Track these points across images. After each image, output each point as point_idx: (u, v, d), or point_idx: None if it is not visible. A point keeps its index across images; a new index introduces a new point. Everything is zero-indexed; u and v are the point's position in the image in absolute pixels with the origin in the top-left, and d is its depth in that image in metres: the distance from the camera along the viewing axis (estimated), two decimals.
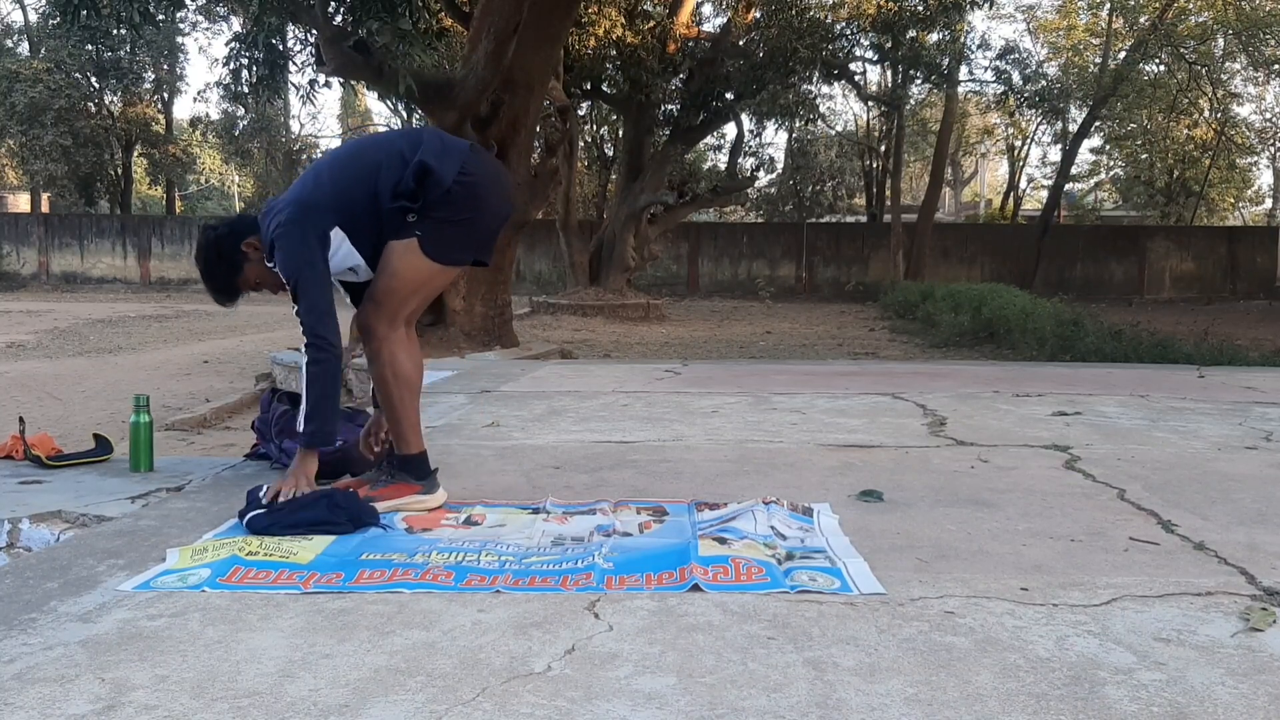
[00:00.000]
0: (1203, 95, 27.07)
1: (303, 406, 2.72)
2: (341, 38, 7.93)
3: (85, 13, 8.34)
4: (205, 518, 2.73)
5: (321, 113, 71.85)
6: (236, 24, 16.41)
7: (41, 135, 24.37)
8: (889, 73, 24.82)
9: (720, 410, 4.66)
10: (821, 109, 22.55)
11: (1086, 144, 29.22)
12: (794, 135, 27.45)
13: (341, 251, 2.78)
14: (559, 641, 1.86)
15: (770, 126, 22.29)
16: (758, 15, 17.41)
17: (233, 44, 10.25)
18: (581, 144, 22.00)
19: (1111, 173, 34.13)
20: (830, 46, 17.85)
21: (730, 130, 22.30)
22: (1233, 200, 34.80)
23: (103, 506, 2.90)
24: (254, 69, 10.04)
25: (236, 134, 27.57)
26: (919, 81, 23.59)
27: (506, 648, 1.83)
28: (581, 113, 20.70)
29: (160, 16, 9.85)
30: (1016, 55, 24.10)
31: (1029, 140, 32.51)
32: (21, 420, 3.65)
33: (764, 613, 2.01)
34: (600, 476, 3.26)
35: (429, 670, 1.74)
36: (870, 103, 27.73)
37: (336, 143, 37.26)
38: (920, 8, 17.03)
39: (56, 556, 2.40)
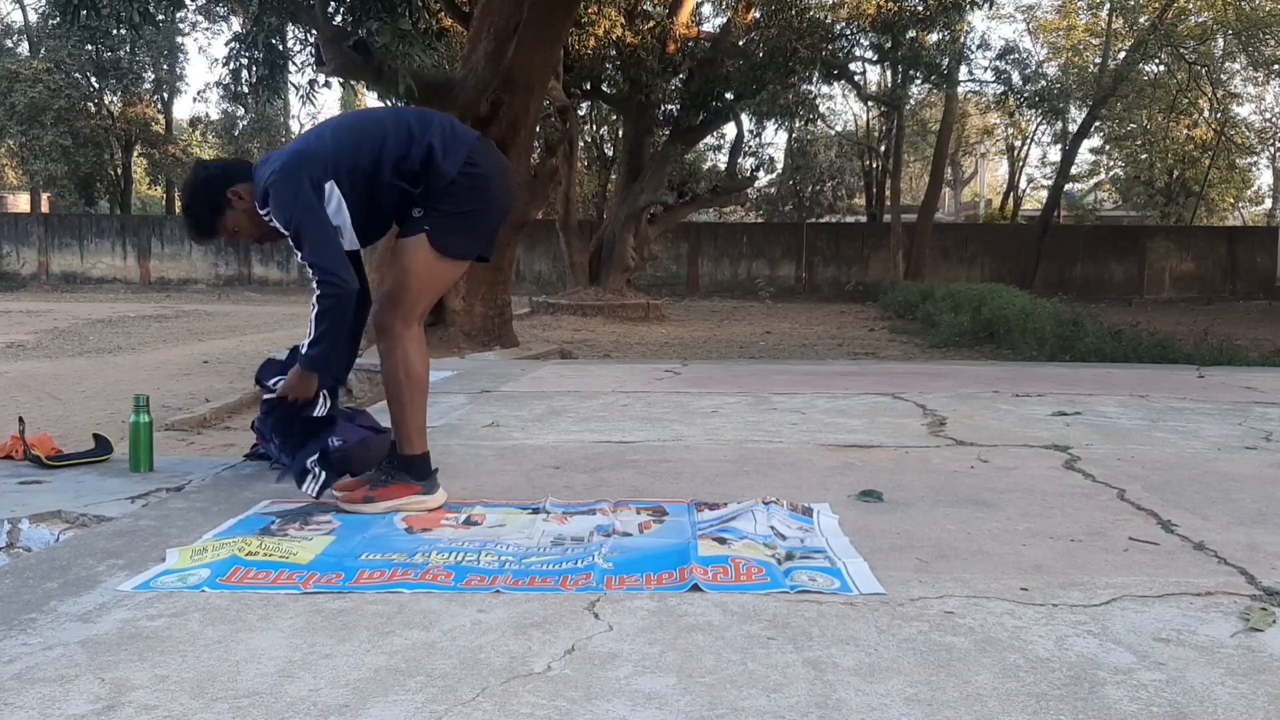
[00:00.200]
0: (1203, 95, 27.08)
1: (310, 332, 2.71)
2: (341, 38, 7.93)
3: (85, 13, 8.34)
4: (205, 518, 2.73)
5: (321, 113, 71.79)
6: (236, 24, 16.41)
7: (41, 135, 24.37)
8: (889, 73, 24.83)
9: (720, 410, 4.66)
10: (821, 109, 22.57)
11: (1086, 144, 29.25)
12: (794, 135, 27.46)
13: (330, 208, 2.77)
14: (559, 641, 1.86)
15: (770, 126, 22.33)
16: (758, 15, 17.41)
17: (233, 44, 10.26)
18: (581, 144, 22.01)
19: (1111, 173, 34.14)
20: (830, 46, 17.85)
21: (730, 130, 22.33)
22: (1233, 200, 34.79)
23: (103, 506, 2.90)
24: (254, 69, 10.04)
25: (236, 134, 27.60)
26: (919, 81, 23.60)
27: (506, 648, 1.83)
28: (581, 113, 20.71)
29: (160, 16, 9.85)
30: (1016, 55, 24.13)
31: (1029, 140, 32.54)
32: (21, 420, 3.65)
33: (764, 613, 2.01)
34: (600, 476, 3.26)
35: (429, 670, 1.74)
36: (870, 103, 27.74)
37: None
38: (920, 8, 17.03)
39: (56, 556, 2.40)
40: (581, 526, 2.64)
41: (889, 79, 25.40)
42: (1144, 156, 30.63)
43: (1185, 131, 28.74)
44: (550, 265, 23.99)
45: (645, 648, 1.83)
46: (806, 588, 2.15)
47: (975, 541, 2.52)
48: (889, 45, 18.64)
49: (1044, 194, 31.86)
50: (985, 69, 29.41)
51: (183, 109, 67.33)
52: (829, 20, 18.10)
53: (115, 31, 20.26)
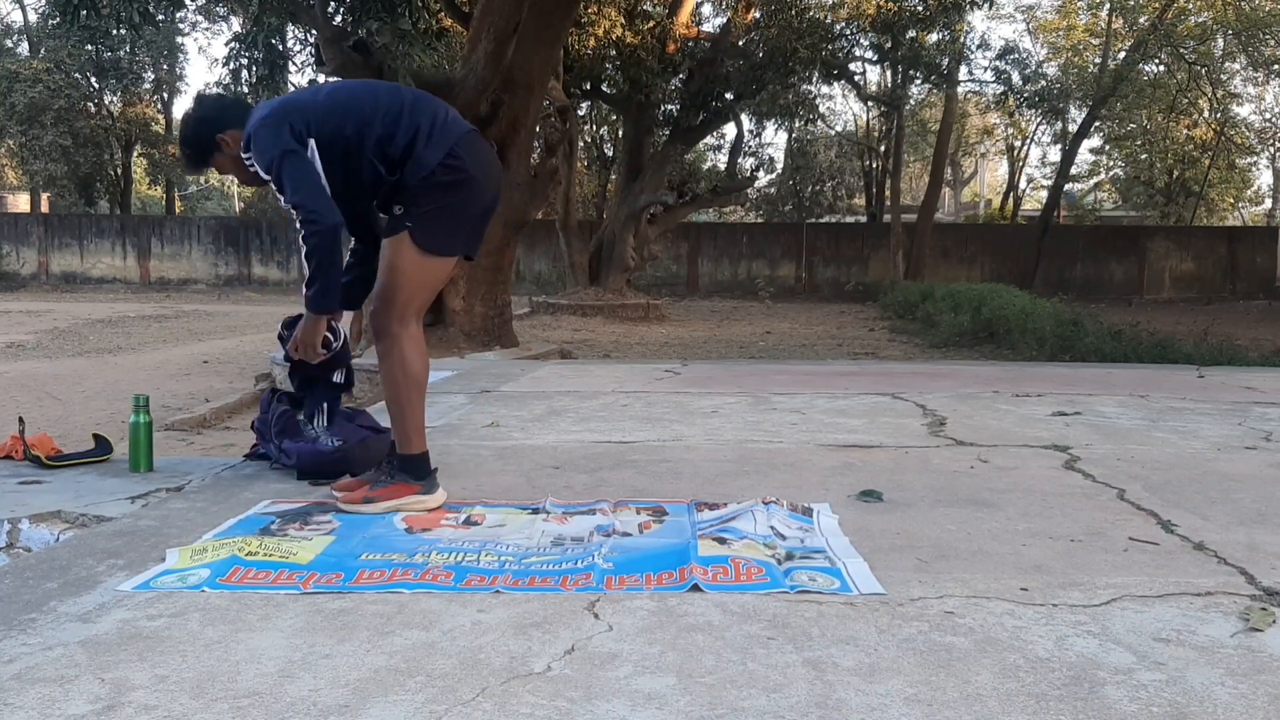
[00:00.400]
0: (1202, 95, 27.08)
1: (305, 269, 2.74)
2: (341, 38, 7.93)
3: (85, 13, 8.34)
4: (205, 518, 2.73)
5: None
6: (236, 24, 16.42)
7: (41, 135, 24.37)
8: (889, 73, 24.84)
9: (720, 410, 4.66)
10: (821, 109, 22.59)
11: (1086, 144, 29.25)
12: (794, 135, 27.46)
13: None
14: (559, 641, 1.86)
15: (770, 126, 22.36)
16: (757, 15, 17.41)
17: (233, 44, 10.27)
18: (581, 144, 22.01)
19: (1111, 173, 34.13)
20: (830, 46, 17.85)
21: (730, 130, 22.33)
22: (1232, 200, 34.79)
23: (102, 506, 2.90)
24: (254, 69, 10.05)
25: None
26: (919, 81, 23.61)
27: (506, 648, 1.83)
28: (581, 113, 20.72)
29: (160, 16, 9.86)
30: (1016, 55, 24.15)
31: (1029, 140, 32.54)
32: (21, 420, 3.65)
33: (764, 613, 2.01)
34: (600, 476, 3.26)
35: (429, 670, 1.74)
36: (870, 103, 27.75)
37: None
38: (920, 8, 17.03)
39: (56, 556, 2.40)
40: (581, 526, 2.64)
41: (889, 79, 25.41)
42: (1144, 156, 30.63)
43: (1185, 131, 28.75)
44: (550, 265, 23.99)
45: (645, 648, 1.83)
46: (806, 588, 2.15)
47: (975, 541, 2.52)
48: (889, 45, 18.65)
49: (1044, 194, 31.87)
50: (985, 69, 29.46)
51: (183, 109, 67.25)
52: (829, 20, 18.10)
53: (115, 31, 20.24)
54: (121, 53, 25.65)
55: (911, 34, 18.19)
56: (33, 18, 27.14)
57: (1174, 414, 4.59)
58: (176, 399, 7.90)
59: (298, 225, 2.68)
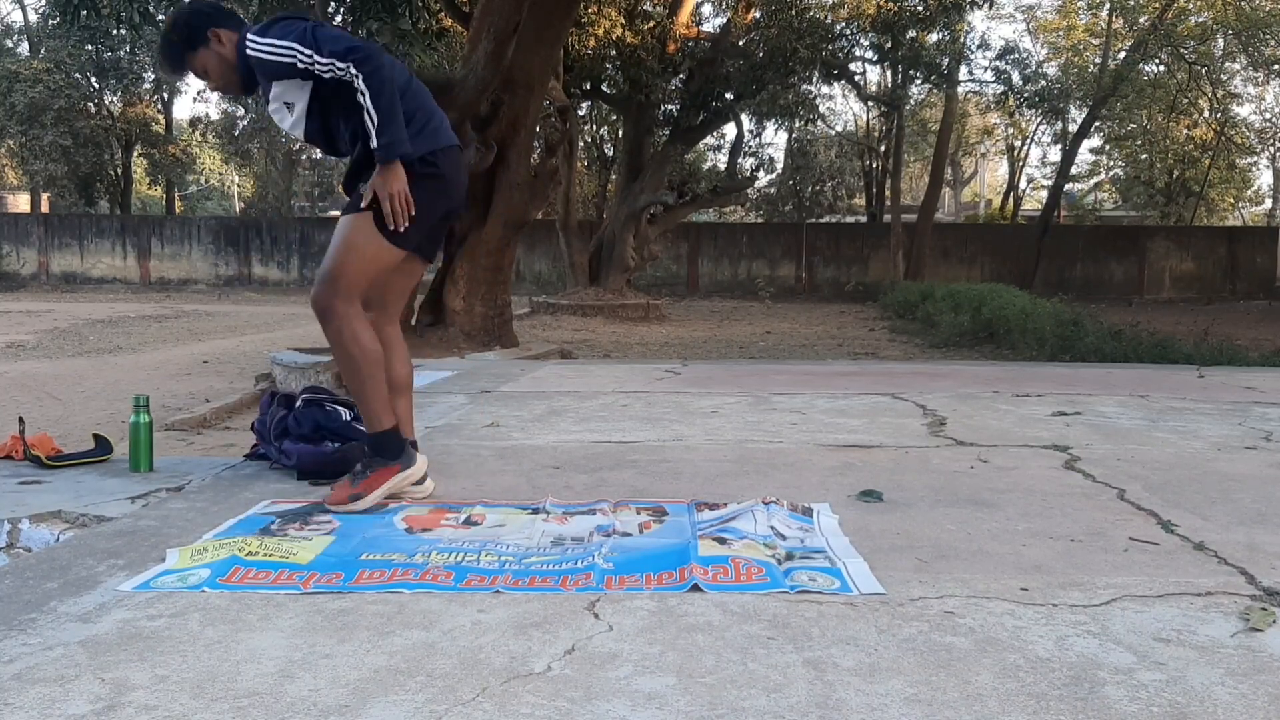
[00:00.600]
0: (1203, 95, 27.08)
1: (373, 120, 2.65)
2: None
3: (85, 13, 8.34)
4: (205, 518, 2.73)
5: None
6: None
7: (41, 135, 24.37)
8: (889, 73, 24.85)
9: (720, 410, 4.66)
10: (821, 109, 22.61)
11: (1086, 144, 29.26)
12: (794, 135, 27.48)
13: (292, 88, 2.76)
14: (559, 641, 1.86)
15: (770, 126, 22.38)
16: (758, 15, 17.42)
17: None
18: (581, 144, 22.02)
19: (1111, 173, 34.14)
20: (830, 46, 17.85)
21: (730, 130, 22.34)
22: (1233, 200, 34.80)
23: (103, 506, 2.90)
24: None
25: (236, 134, 27.58)
26: (919, 81, 23.62)
27: (506, 648, 1.83)
28: (581, 113, 20.72)
29: (160, 16, 9.86)
30: (1016, 55, 24.17)
31: (1029, 140, 32.55)
32: (21, 420, 3.64)
33: (764, 613, 2.01)
34: (600, 477, 3.26)
35: (429, 670, 1.74)
36: (870, 103, 27.75)
37: None
38: (920, 8, 17.04)
39: (56, 556, 2.40)
40: (581, 526, 2.64)
41: (889, 79, 25.42)
42: (1144, 156, 30.64)
43: (1185, 131, 28.75)
44: (550, 265, 23.99)
45: (645, 648, 1.83)
46: (806, 588, 2.15)
47: (975, 541, 2.52)
48: (889, 45, 18.66)
49: (1044, 194, 31.89)
50: (985, 69, 29.50)
51: (183, 109, 67.38)
52: (829, 20, 18.11)
53: (115, 31, 20.23)
54: (121, 53, 25.65)
55: (911, 34, 18.20)
56: (33, 18, 27.18)
57: (1174, 414, 4.59)
58: (176, 399, 7.90)
59: (354, 69, 2.63)
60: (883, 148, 28.21)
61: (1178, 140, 28.84)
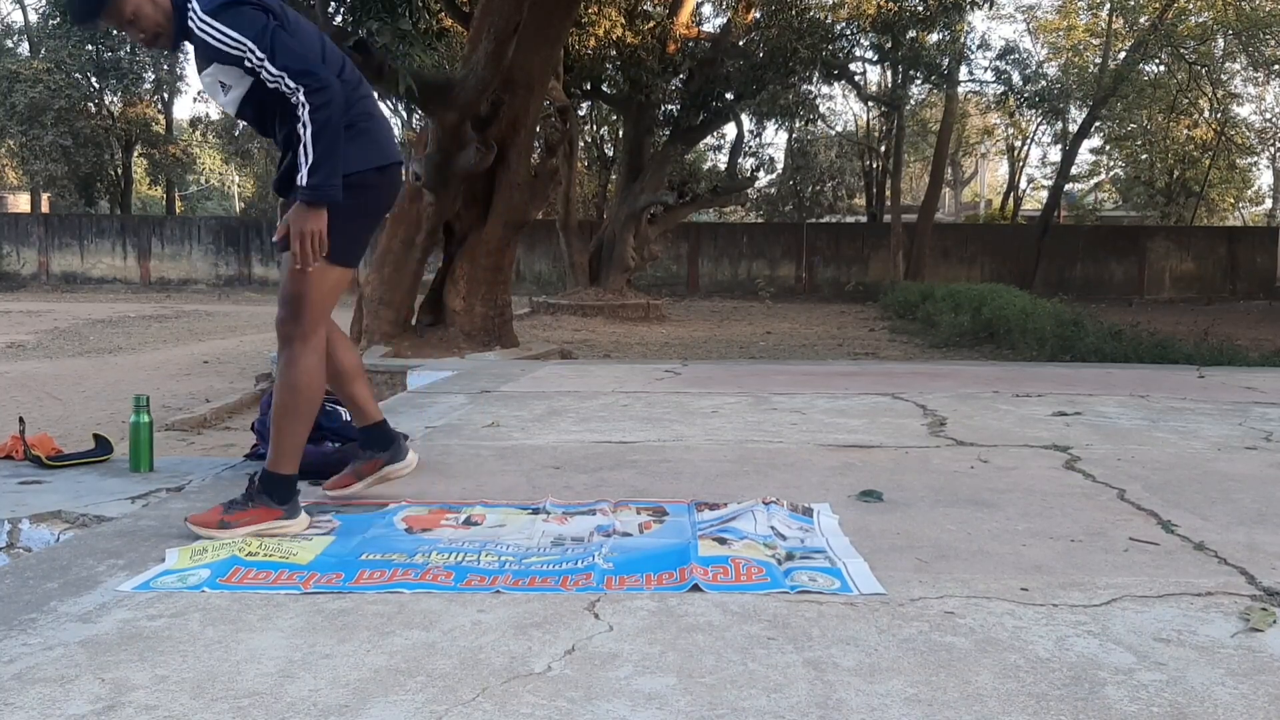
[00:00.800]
0: (1203, 95, 27.08)
1: (306, 158, 2.45)
2: (341, 38, 7.93)
3: None
4: None
5: None
6: None
7: (41, 135, 24.36)
8: (889, 73, 24.84)
9: (720, 410, 4.66)
10: (821, 109, 22.59)
11: (1086, 144, 29.25)
12: (794, 135, 27.47)
13: (232, 74, 2.54)
14: (559, 641, 1.86)
15: (770, 126, 22.35)
16: (758, 15, 17.41)
17: None
18: (581, 144, 22.01)
19: (1111, 173, 34.14)
20: (830, 46, 17.85)
21: (730, 130, 22.34)
22: (1233, 200, 34.79)
23: (103, 506, 2.90)
24: None
25: (236, 134, 27.58)
26: (919, 81, 23.62)
27: (506, 648, 1.83)
28: (581, 113, 20.72)
29: None
30: (1016, 55, 24.17)
31: (1029, 140, 32.55)
32: (21, 420, 3.65)
33: (764, 613, 2.01)
34: (600, 477, 3.26)
35: (429, 670, 1.74)
36: (870, 103, 27.75)
37: None
38: (920, 8, 17.03)
39: (56, 556, 2.40)
40: (581, 527, 2.64)
41: (889, 79, 25.41)
42: (1144, 156, 30.64)
43: (1185, 131, 28.75)
44: (550, 265, 23.99)
45: (645, 648, 1.83)
46: (807, 588, 2.15)
47: (975, 541, 2.52)
48: (889, 45, 18.66)
49: (1044, 194, 31.89)
50: (985, 69, 29.49)
51: (183, 109, 67.38)
52: (829, 20, 18.10)
53: (115, 31, 20.26)
54: (121, 53, 25.65)
55: (911, 34, 18.19)
56: (33, 18, 27.18)
57: (1174, 414, 4.59)
58: (177, 399, 7.90)
59: (302, 98, 2.42)
60: (883, 148, 28.21)
61: (1178, 140, 28.83)
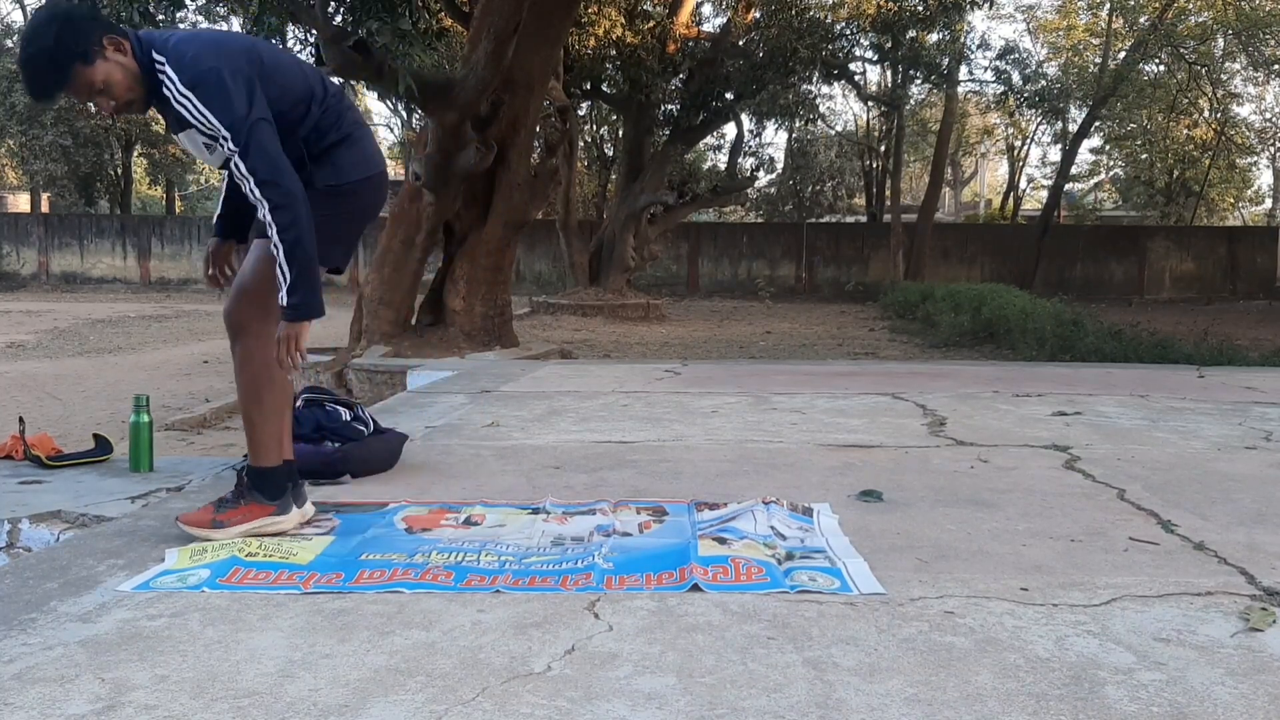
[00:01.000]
0: (1203, 95, 27.07)
1: (285, 277, 2.38)
2: (341, 38, 7.92)
3: None
4: None
5: None
6: (236, 24, 16.39)
7: (41, 135, 24.36)
8: (889, 73, 24.84)
9: (720, 410, 4.66)
10: (821, 109, 22.57)
11: (1086, 144, 29.25)
12: (794, 135, 27.46)
13: (202, 141, 2.45)
14: (559, 641, 1.86)
15: (770, 126, 22.33)
16: (758, 15, 17.41)
17: None
18: (581, 144, 22.01)
19: (1111, 173, 34.14)
20: (830, 46, 17.85)
21: (730, 130, 22.33)
22: (1233, 200, 34.79)
23: (103, 506, 2.90)
24: None
25: None
26: (919, 81, 23.61)
27: (506, 648, 1.83)
28: (581, 113, 20.71)
29: (160, 16, 9.85)
30: (1016, 55, 24.13)
31: (1029, 140, 32.54)
32: (21, 420, 3.65)
33: (764, 613, 2.01)
34: (600, 476, 3.26)
35: (429, 670, 1.74)
36: (870, 103, 27.74)
37: None
38: (920, 8, 17.03)
39: (56, 556, 2.40)
40: (581, 526, 2.64)
41: (889, 79, 25.40)
42: (1144, 156, 30.64)
43: (1185, 131, 28.75)
44: (550, 265, 23.98)
45: (645, 648, 1.83)
46: (807, 587, 2.15)
47: (975, 541, 2.52)
48: (889, 45, 18.65)
49: (1044, 194, 31.88)
50: (985, 69, 29.46)
51: None
52: (829, 20, 18.10)
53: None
54: None
55: (911, 34, 18.19)
56: None
57: (1174, 414, 4.59)
58: (176, 399, 7.90)
59: (267, 213, 2.36)
60: (883, 148, 28.20)
61: (1178, 140, 28.83)
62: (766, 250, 25.98)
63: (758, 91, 17.49)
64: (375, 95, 26.40)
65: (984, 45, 34.77)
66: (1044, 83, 24.43)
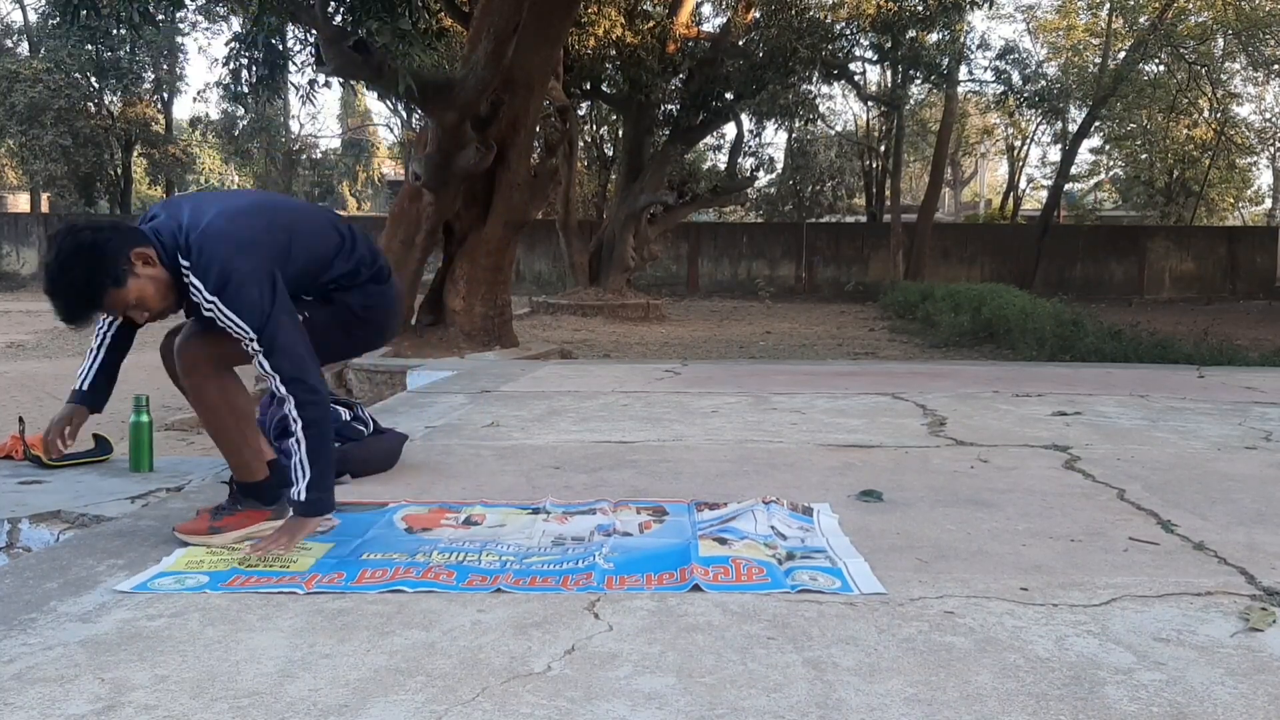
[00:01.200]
0: (1203, 95, 27.07)
1: (303, 472, 2.38)
2: (341, 38, 7.92)
3: (85, 13, 8.33)
4: None
5: (321, 113, 71.79)
6: (236, 24, 16.39)
7: (41, 135, 24.33)
8: (889, 73, 24.82)
9: (720, 410, 4.66)
10: (821, 109, 22.57)
11: (1086, 144, 29.24)
12: (794, 135, 27.43)
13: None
14: (559, 641, 1.86)
15: (770, 126, 22.30)
16: (757, 15, 17.40)
17: (233, 44, 10.26)
18: (581, 144, 21.99)
19: (1111, 173, 34.13)
20: (830, 46, 17.84)
21: (730, 130, 22.31)
22: (1233, 200, 34.78)
23: (103, 506, 2.90)
24: (254, 69, 10.04)
25: (236, 134, 27.59)
26: (919, 81, 23.60)
27: (506, 648, 1.83)
28: (581, 113, 20.69)
29: (160, 16, 9.85)
30: (1016, 55, 24.12)
31: (1029, 140, 32.53)
32: (21, 420, 3.65)
33: (764, 613, 2.01)
34: (600, 476, 3.26)
35: (429, 670, 1.74)
36: (870, 103, 27.73)
37: (336, 143, 37.32)
38: (920, 8, 17.03)
39: (56, 556, 2.40)
40: (582, 526, 2.64)
41: (889, 79, 25.39)
42: (1144, 156, 30.63)
43: (1185, 131, 28.73)
44: (550, 265, 23.98)
45: (645, 648, 1.83)
46: (808, 587, 2.15)
47: (975, 541, 2.52)
48: (889, 45, 18.64)
49: (1044, 194, 31.87)
50: (985, 69, 29.34)
51: (183, 109, 67.21)
52: (829, 20, 18.09)
53: (115, 31, 20.24)
54: (121, 53, 25.62)
55: (911, 34, 18.18)
56: (33, 18, 27.14)
57: (1174, 414, 4.59)
58: (176, 399, 7.87)
59: (293, 409, 2.36)
60: (883, 148, 28.18)
61: (1178, 140, 28.82)
62: (766, 250, 25.98)
63: (758, 91, 17.48)
64: (375, 95, 26.42)
65: (984, 45, 34.66)
66: (1044, 83, 24.43)
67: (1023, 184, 33.83)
